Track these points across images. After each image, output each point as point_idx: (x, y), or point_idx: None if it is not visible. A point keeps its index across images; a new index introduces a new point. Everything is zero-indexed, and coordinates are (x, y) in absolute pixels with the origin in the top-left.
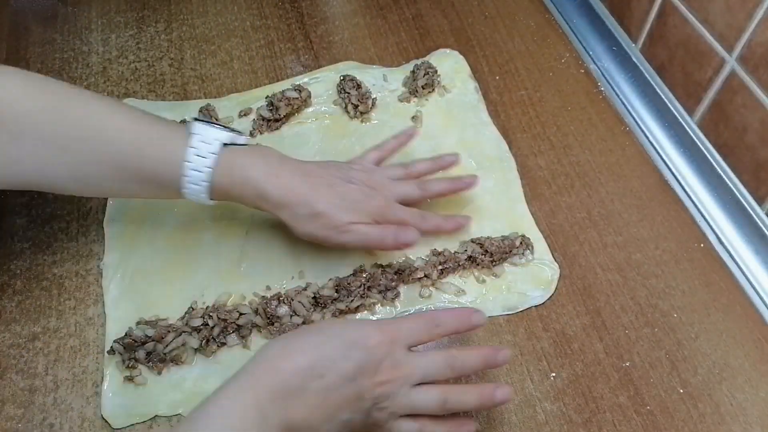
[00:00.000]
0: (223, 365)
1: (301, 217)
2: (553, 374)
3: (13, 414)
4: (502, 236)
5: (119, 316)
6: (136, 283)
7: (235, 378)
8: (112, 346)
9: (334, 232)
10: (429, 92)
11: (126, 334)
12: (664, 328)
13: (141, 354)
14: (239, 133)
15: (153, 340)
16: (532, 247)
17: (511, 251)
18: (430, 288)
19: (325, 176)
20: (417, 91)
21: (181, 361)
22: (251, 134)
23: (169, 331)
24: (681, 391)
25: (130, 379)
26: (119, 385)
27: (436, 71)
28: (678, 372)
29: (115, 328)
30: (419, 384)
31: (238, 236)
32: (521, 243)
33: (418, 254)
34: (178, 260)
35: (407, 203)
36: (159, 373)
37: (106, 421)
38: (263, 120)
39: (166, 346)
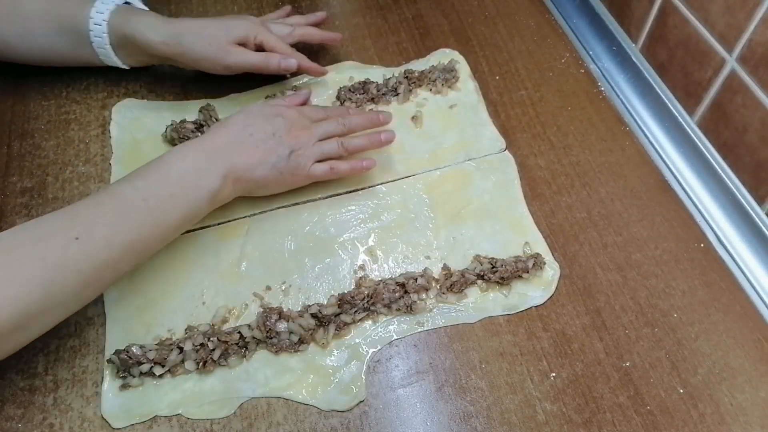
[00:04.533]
0: (222, 365)
1: (189, 43)
2: (553, 374)
3: (13, 414)
4: (515, 257)
5: (119, 316)
6: (136, 283)
7: (186, 144)
8: (110, 357)
9: (221, 52)
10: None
11: (125, 350)
12: (664, 328)
13: (136, 372)
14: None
15: (151, 362)
16: (544, 264)
17: (523, 274)
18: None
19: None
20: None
21: (176, 375)
22: None
23: (167, 357)
24: (681, 391)
25: (125, 386)
26: (119, 385)
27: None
28: (678, 372)
29: (115, 328)
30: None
31: (238, 236)
32: (534, 264)
33: (419, 267)
34: (177, 260)
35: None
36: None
37: (106, 421)
38: None
39: (163, 367)
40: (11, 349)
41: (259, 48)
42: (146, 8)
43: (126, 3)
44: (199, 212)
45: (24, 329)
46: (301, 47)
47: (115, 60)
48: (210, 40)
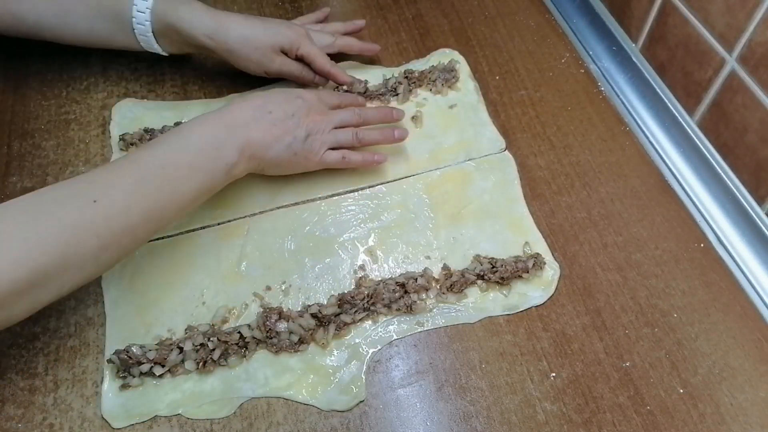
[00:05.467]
0: (222, 365)
1: (236, 44)
2: (553, 374)
3: (13, 414)
4: (515, 257)
5: (119, 316)
6: (135, 283)
7: (206, 115)
8: (110, 357)
9: (265, 59)
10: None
11: (125, 350)
12: (664, 328)
13: (136, 372)
14: None
15: (151, 362)
16: (544, 264)
17: (523, 274)
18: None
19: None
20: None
21: (176, 375)
22: None
23: (167, 357)
24: (681, 391)
25: (125, 386)
26: (119, 385)
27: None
28: (678, 372)
29: (115, 328)
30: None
31: (238, 236)
32: (534, 264)
33: (419, 267)
34: (177, 260)
35: (323, 51)
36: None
37: (106, 421)
38: None
39: (163, 366)
40: (29, 309)
41: (300, 58)
42: None
43: None
44: (215, 184)
45: (41, 288)
46: None
47: (156, 48)
48: (256, 45)
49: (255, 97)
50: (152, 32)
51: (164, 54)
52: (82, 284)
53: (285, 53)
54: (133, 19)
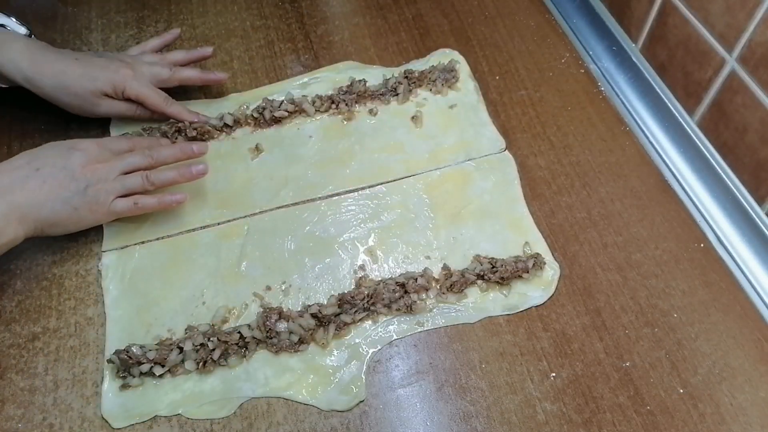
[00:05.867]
0: (222, 365)
1: (52, 91)
2: (553, 374)
3: (13, 414)
4: (515, 257)
5: (119, 316)
6: (135, 283)
7: None
8: (110, 357)
9: (87, 104)
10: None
11: (125, 350)
12: (664, 328)
13: (136, 372)
14: (26, 26)
15: (151, 362)
16: (544, 264)
17: (523, 274)
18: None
19: (76, 54)
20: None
21: (176, 375)
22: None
23: (167, 357)
24: (681, 391)
25: (125, 386)
26: (119, 386)
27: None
28: (678, 372)
29: (115, 328)
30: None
31: (238, 236)
32: (534, 264)
33: (419, 267)
34: (177, 260)
35: (160, 85)
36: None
37: (106, 421)
38: (253, 119)
39: (163, 366)
40: None
41: (127, 98)
42: (23, 30)
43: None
44: None
45: None
46: None
47: None
48: (75, 92)
49: (19, 157)
50: None
51: (3, 86)
52: None
53: (109, 96)
54: None
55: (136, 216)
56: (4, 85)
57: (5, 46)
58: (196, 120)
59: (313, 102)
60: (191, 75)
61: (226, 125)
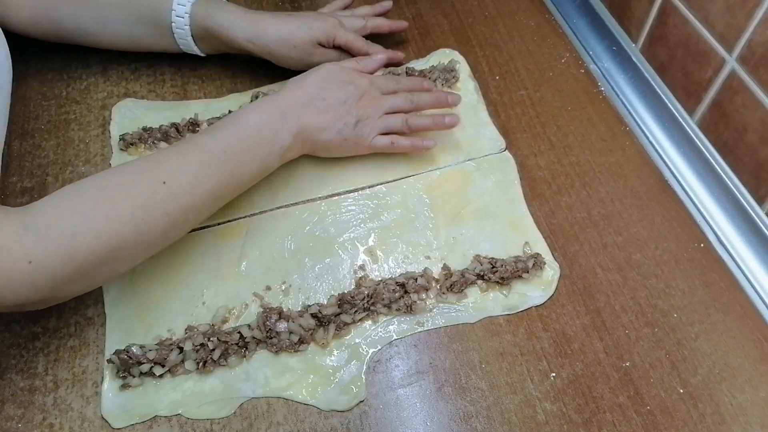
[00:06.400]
0: (222, 365)
1: (275, 44)
2: (553, 374)
3: (13, 414)
4: (515, 257)
5: (119, 316)
6: (136, 283)
7: (263, 100)
8: (110, 357)
9: (305, 55)
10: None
11: (125, 350)
12: (664, 328)
13: (136, 372)
14: None
15: (151, 362)
16: (544, 264)
17: (523, 274)
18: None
19: (282, 13)
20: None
21: (176, 375)
22: None
23: (167, 357)
24: (681, 391)
25: (125, 386)
26: (119, 385)
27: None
28: (678, 372)
29: (115, 328)
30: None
31: (238, 236)
32: (534, 264)
33: (419, 267)
34: (177, 260)
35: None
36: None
37: (106, 421)
38: None
39: (163, 366)
40: (104, 279)
41: (337, 46)
42: None
43: None
44: (270, 166)
45: (116, 262)
46: None
47: (195, 50)
48: (295, 43)
49: (311, 82)
50: (191, 36)
51: (202, 55)
52: (150, 257)
53: (322, 45)
54: (173, 24)
55: None
56: (203, 54)
57: (222, 11)
58: (396, 57)
59: None
60: (381, 23)
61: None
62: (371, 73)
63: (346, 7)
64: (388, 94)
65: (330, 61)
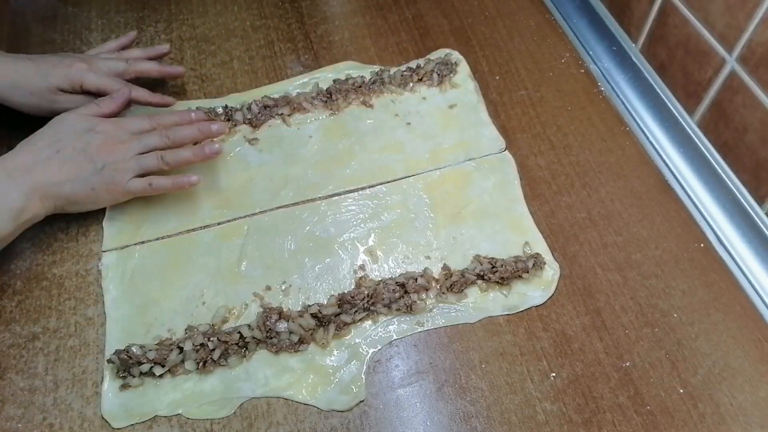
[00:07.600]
0: (222, 365)
1: (7, 94)
2: (553, 374)
3: (13, 414)
4: (515, 257)
5: (119, 316)
6: (136, 283)
7: None
8: (110, 357)
9: (45, 102)
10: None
11: (125, 350)
12: (664, 328)
13: (136, 372)
14: None
15: (151, 362)
16: (544, 264)
17: (523, 274)
18: (431, 298)
19: (30, 56)
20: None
21: (176, 375)
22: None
23: (167, 357)
24: (681, 391)
25: (125, 386)
26: (119, 386)
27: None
28: (678, 372)
29: (115, 328)
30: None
31: (238, 236)
32: (534, 264)
33: (419, 267)
34: (177, 260)
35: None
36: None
37: (106, 421)
38: (246, 118)
39: (163, 366)
40: None
41: (86, 91)
42: None
43: None
44: (3, 229)
45: None
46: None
47: None
48: (30, 90)
49: (40, 137)
50: None
51: None
52: None
53: (66, 91)
54: None
55: (136, 217)
56: None
57: None
58: (161, 102)
59: (313, 99)
60: (148, 67)
61: (228, 119)
62: (114, 113)
63: (123, 48)
64: (143, 133)
65: (76, 106)
